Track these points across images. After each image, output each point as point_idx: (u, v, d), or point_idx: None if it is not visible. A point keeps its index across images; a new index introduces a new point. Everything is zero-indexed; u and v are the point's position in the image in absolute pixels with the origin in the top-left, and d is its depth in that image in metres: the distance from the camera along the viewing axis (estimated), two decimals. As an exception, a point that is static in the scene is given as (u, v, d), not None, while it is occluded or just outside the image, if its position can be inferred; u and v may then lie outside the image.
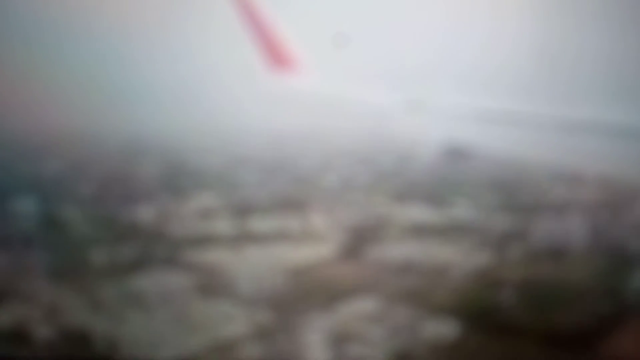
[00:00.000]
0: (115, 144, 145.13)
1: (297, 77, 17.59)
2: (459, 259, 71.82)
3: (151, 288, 47.50)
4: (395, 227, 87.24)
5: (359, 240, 77.84)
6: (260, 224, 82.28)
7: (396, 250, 73.22)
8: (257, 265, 58.77)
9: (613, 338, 52.32)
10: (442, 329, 49.00)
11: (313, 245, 72.47)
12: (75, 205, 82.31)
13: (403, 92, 13.70)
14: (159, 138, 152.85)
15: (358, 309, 49.93)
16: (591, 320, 55.54)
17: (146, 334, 38.55)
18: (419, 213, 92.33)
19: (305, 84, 17.47)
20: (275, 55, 18.01)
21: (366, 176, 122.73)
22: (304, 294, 54.94)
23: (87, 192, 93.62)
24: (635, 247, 77.37)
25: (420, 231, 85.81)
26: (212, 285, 56.61)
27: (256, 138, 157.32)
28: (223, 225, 77.55)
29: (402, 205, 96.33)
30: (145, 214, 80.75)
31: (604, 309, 57.56)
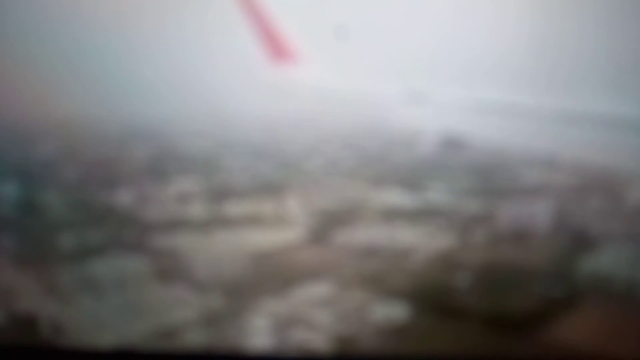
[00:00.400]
0: (108, 130, 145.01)
1: (296, 67, 17.99)
2: (424, 242, 72.03)
3: (108, 273, 47.56)
4: (368, 211, 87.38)
5: (328, 224, 78.04)
6: (234, 208, 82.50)
7: (363, 235, 73.43)
8: (221, 249, 58.95)
9: (560, 322, 52.52)
10: (392, 313, 49.27)
11: (282, 230, 72.74)
12: (56, 190, 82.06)
13: (403, 83, 14.18)
14: (152, 123, 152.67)
15: (311, 294, 50.15)
16: (542, 304, 55.73)
17: (92, 320, 38.63)
18: (395, 197, 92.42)
19: (304, 75, 17.96)
20: (275, 46, 18.49)
21: (352, 161, 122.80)
22: (262, 279, 55.16)
23: (72, 176, 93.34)
24: (597, 232, 77.34)
25: (391, 215, 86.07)
26: (171, 270, 56.75)
27: (248, 123, 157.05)
28: (197, 210, 77.77)
29: (379, 189, 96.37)
30: (123, 198, 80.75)
31: (556, 292, 57.71)
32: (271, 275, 54.61)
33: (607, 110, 9.02)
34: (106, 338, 36.46)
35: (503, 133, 10.53)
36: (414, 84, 13.78)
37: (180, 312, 42.94)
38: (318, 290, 50.61)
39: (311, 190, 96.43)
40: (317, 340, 43.51)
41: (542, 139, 9.62)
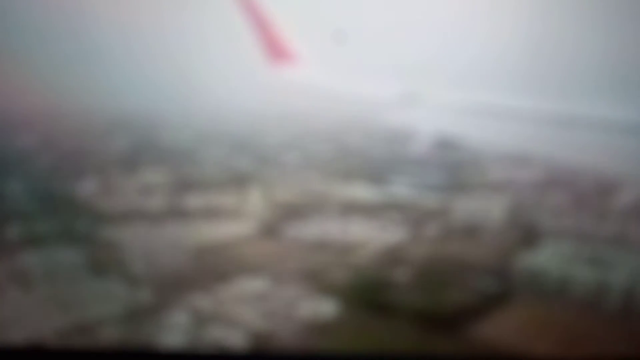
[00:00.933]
0: (91, 121, 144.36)
1: (293, 68, 17.97)
2: (375, 236, 71.25)
3: (41, 265, 47.02)
4: (329, 204, 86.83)
5: (284, 218, 77.36)
6: (195, 200, 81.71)
7: (317, 228, 72.66)
8: (167, 242, 58.32)
9: (491, 320, 52.10)
10: (322, 309, 48.69)
11: (237, 223, 72.04)
12: (23, 180, 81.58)
13: (399, 85, 13.91)
14: (136, 115, 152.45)
15: (244, 289, 49.60)
16: (477, 300, 55.25)
17: (11, 314, 38.12)
18: (359, 191, 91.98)
19: (301, 76, 17.95)
20: (273, 47, 18.38)
21: (328, 154, 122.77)
22: (199, 273, 54.69)
23: (44, 167, 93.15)
24: (546, 228, 76.88)
25: (351, 209, 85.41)
26: (107, 263, 56.33)
27: (231, 118, 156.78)
28: (156, 202, 77.00)
29: (346, 183, 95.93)
30: (86, 189, 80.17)
31: (492, 288, 57.23)
32: (210, 269, 53.99)
33: (601, 113, 9.03)
34: (19, 333, 35.97)
35: (498, 135, 10.45)
36: (410, 85, 13.66)
37: (105, 307, 42.40)
38: (252, 285, 50.00)
39: (277, 183, 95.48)
40: (234, 337, 43.04)
41: (539, 141, 9.51)
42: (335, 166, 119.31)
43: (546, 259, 59.73)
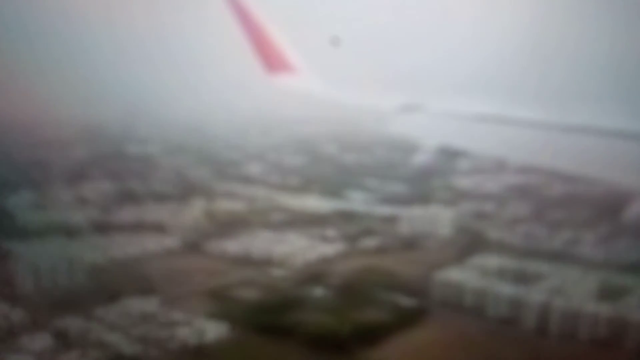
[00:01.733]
0: (61, 131, 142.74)
1: (290, 77, 17.35)
2: (308, 250, 67.75)
3: None
4: (274, 216, 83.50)
5: (216, 232, 74.30)
6: (126, 214, 78.62)
7: (247, 243, 69.69)
8: (69, 259, 55.69)
9: (397, 340, 48.68)
10: (209, 332, 45.42)
11: (163, 237, 69.01)
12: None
13: (399, 94, 13.51)
14: (105, 127, 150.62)
15: (128, 310, 46.40)
16: (391, 318, 51.75)
17: None
18: (312, 203, 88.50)
19: (298, 85, 17.30)
20: (269, 58, 17.60)
21: (295, 166, 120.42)
22: (88, 292, 52.03)
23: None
24: (490, 240, 73.17)
25: (290, 223, 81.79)
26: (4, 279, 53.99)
27: (203, 131, 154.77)
28: (83, 216, 74.06)
29: (297, 197, 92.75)
30: (19, 202, 77.84)
31: (412, 305, 53.73)
32: (104, 288, 50.61)
33: (603, 119, 8.68)
34: None
35: (497, 143, 10.06)
36: (412, 94, 13.23)
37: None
38: (139, 306, 46.46)
39: (225, 196, 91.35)
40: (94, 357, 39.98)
41: (538, 148, 9.13)
42: (296, 179, 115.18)
43: (464, 274, 55.92)
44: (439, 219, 79.70)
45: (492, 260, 61.55)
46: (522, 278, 58.42)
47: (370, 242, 73.02)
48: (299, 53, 17.95)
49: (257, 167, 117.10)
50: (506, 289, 54.27)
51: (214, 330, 46.00)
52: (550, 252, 72.16)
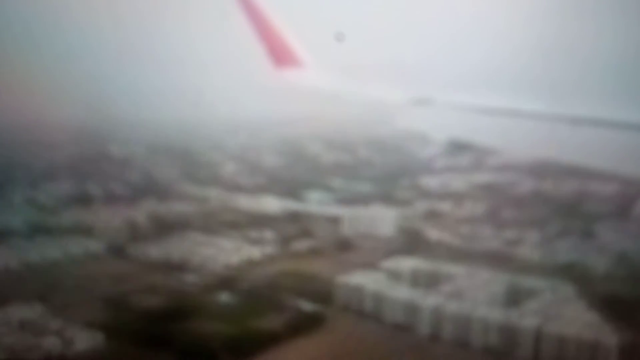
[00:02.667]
0: (51, 131, 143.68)
1: (299, 73, 17.28)
2: (233, 253, 66.34)
3: None
4: (218, 219, 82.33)
5: (150, 235, 73.00)
6: (71, 217, 77.88)
7: (173, 246, 68.25)
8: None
9: (287, 348, 46.94)
10: (82, 341, 44.41)
11: (90, 240, 68.28)
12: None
13: (406, 88, 13.58)
14: (87, 128, 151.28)
15: (5, 317, 45.47)
16: (290, 323, 50.07)
17: None
18: (265, 204, 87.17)
19: (307, 80, 17.22)
20: (278, 52, 17.50)
21: (269, 166, 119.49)
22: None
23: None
24: (428, 240, 70.96)
25: (233, 225, 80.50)
26: None
27: (183, 132, 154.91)
28: (25, 219, 73.72)
29: (257, 196, 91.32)
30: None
31: (315, 309, 52.07)
32: None
33: (610, 115, 8.64)
34: None
35: (504, 136, 10.15)
36: (420, 88, 13.21)
37: None
38: (19, 313, 45.43)
39: (177, 198, 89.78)
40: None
41: (544, 141, 9.23)
42: (264, 179, 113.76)
43: (367, 277, 53.76)
44: (381, 220, 77.51)
45: (407, 263, 59.23)
46: (431, 281, 56.13)
47: (304, 244, 71.20)
48: (306, 47, 17.83)
49: (231, 167, 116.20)
50: (402, 294, 52.20)
51: (86, 340, 44.86)
52: (486, 253, 69.66)
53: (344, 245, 72.07)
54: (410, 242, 73.12)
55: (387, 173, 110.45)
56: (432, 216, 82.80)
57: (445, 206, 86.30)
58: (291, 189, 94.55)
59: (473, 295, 51.05)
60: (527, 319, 47.41)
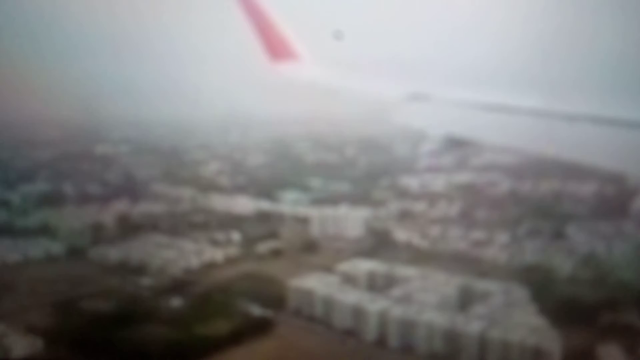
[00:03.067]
0: (36, 131, 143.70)
1: (296, 67, 17.24)
2: (194, 255, 65.71)
3: None
4: (187, 220, 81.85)
5: (115, 236, 72.39)
6: (37, 218, 77.48)
7: (128, 249, 67.97)
8: None
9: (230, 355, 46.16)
10: (18, 347, 43.85)
11: (52, 242, 67.98)
12: None
13: (404, 84, 13.57)
14: (96, 127, 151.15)
15: None
16: (237, 329, 49.36)
17: None
18: (239, 205, 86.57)
19: (304, 74, 17.17)
20: (275, 46, 17.49)
21: (250, 165, 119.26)
22: None
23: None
24: (396, 241, 70.18)
25: (206, 225, 79.96)
26: None
27: (169, 131, 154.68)
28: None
29: (228, 197, 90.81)
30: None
31: (265, 314, 51.29)
32: None
33: (604, 110, 8.69)
34: None
35: (502, 132, 10.22)
36: (418, 83, 13.21)
37: None
38: None
39: (150, 198, 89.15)
40: None
41: (542, 138, 9.20)
42: (244, 178, 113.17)
43: (319, 281, 52.86)
44: (350, 220, 76.56)
45: (364, 265, 58.25)
46: (387, 284, 55.15)
47: (268, 246, 70.27)
48: (303, 42, 17.74)
49: (214, 166, 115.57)
50: (350, 298, 51.18)
51: (24, 347, 44.31)
52: (451, 254, 68.59)
53: (310, 247, 71.15)
54: (378, 243, 72.15)
55: (369, 173, 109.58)
56: (405, 217, 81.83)
57: (419, 206, 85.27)
58: (269, 189, 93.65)
59: (424, 299, 49.91)
60: (472, 323, 46.31)
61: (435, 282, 54.12)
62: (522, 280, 59.16)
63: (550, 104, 9.75)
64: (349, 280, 55.51)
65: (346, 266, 58.03)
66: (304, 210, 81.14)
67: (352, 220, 75.49)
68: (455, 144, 10.74)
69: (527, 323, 45.97)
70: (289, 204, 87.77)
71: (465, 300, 51.61)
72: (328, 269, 59.54)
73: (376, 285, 55.40)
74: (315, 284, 53.28)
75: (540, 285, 57.30)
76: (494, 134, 10.61)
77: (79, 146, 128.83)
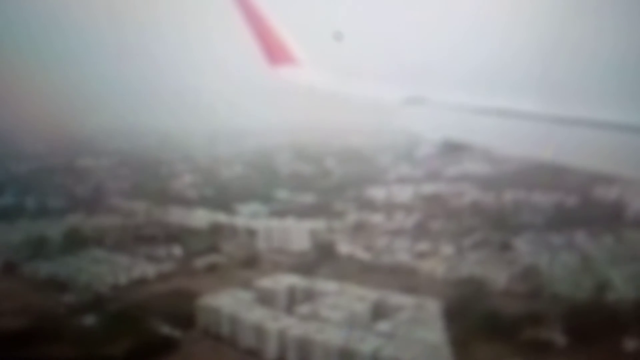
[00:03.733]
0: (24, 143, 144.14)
1: (294, 71, 17.21)
2: (122, 272, 64.89)
3: None
4: (134, 233, 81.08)
5: (51, 252, 71.67)
6: None
7: (61, 265, 67.46)
8: None
9: None
10: None
11: None
12: None
13: (402, 88, 13.46)
14: (83, 139, 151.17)
15: None
16: (144, 348, 48.00)
17: None
18: (193, 218, 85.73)
19: (302, 78, 17.13)
20: (273, 50, 17.48)
21: (224, 177, 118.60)
22: None
23: None
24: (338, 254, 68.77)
25: (155, 239, 79.02)
26: None
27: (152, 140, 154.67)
28: None
29: (189, 209, 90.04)
30: None
31: (170, 333, 49.94)
32: None
33: (604, 115, 8.56)
34: None
35: (500, 136, 10.16)
36: (417, 88, 13.12)
37: None
38: None
39: (107, 211, 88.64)
40: None
41: (542, 142, 9.11)
42: (212, 191, 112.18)
43: (229, 298, 51.40)
44: (296, 233, 74.91)
45: (284, 281, 56.43)
46: (306, 299, 53.31)
47: (206, 261, 68.84)
48: (302, 46, 17.65)
49: (187, 179, 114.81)
50: (253, 316, 49.44)
51: None
52: (390, 267, 66.68)
53: (249, 261, 69.58)
54: (321, 256, 70.42)
55: (340, 184, 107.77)
56: (359, 229, 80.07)
57: (376, 218, 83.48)
58: (233, 201, 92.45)
59: (331, 315, 48.20)
60: (367, 341, 44.50)
61: (350, 297, 52.29)
62: (455, 293, 57.33)
63: (551, 108, 9.58)
64: (267, 296, 53.81)
65: (267, 282, 56.31)
66: (254, 223, 79.75)
67: (297, 233, 73.86)
68: (453, 148, 10.69)
69: (425, 340, 43.91)
70: (246, 216, 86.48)
71: (376, 316, 49.84)
72: (247, 284, 57.96)
73: (296, 300, 53.75)
74: (224, 301, 51.65)
75: (472, 298, 55.38)
76: (493, 139, 10.48)
77: (61, 159, 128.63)
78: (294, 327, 46.65)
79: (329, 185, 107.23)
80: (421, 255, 68.09)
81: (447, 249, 69.08)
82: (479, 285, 59.16)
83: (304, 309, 50.18)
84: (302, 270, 63.90)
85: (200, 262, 68.11)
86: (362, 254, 69.49)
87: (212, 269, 67.07)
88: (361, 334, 45.64)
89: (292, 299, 54.21)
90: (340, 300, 51.60)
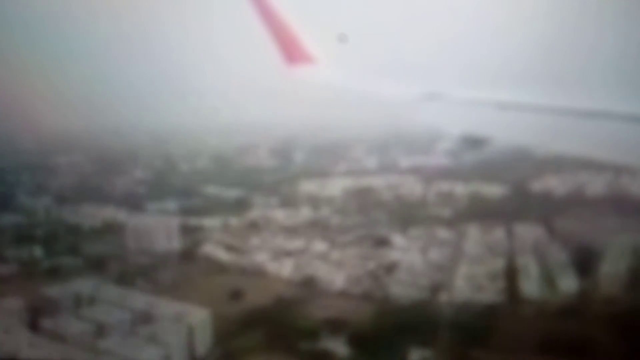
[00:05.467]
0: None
1: (311, 70, 17.13)
2: None
3: None
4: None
5: None
6: None
7: None
8: None
9: None
10: None
11: None
12: None
13: (418, 84, 13.47)
14: (73, 138, 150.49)
15: None
16: None
17: None
18: (89, 216, 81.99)
19: (319, 77, 17.07)
20: (290, 48, 17.35)
21: (179, 174, 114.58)
22: None
23: None
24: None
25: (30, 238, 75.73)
26: None
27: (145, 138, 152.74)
28: None
29: (102, 207, 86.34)
30: None
31: None
32: None
33: (624, 107, 8.39)
34: None
35: (517, 129, 10.03)
36: (431, 84, 13.05)
37: None
38: None
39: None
40: None
41: (558, 135, 8.92)
42: (143, 188, 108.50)
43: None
44: (162, 231, 68.53)
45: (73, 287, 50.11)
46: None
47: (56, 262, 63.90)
48: (318, 45, 17.42)
49: (138, 175, 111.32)
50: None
51: None
52: (242, 268, 59.58)
53: (100, 263, 63.96)
54: (176, 258, 64.11)
55: (280, 178, 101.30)
56: (252, 226, 73.28)
57: (279, 214, 76.33)
58: (148, 198, 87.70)
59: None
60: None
61: (122, 302, 45.76)
62: (284, 296, 50.11)
63: (557, 100, 9.28)
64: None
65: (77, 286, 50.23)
66: (133, 221, 74.22)
67: (163, 231, 67.62)
68: (472, 142, 10.45)
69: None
70: (150, 213, 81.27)
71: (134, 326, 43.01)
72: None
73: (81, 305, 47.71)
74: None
75: (283, 303, 48.09)
76: (511, 132, 10.29)
77: (41, 157, 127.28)
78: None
79: (270, 179, 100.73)
80: (287, 254, 60.76)
81: (319, 246, 61.38)
82: (312, 287, 51.37)
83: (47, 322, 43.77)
84: (140, 274, 57.89)
85: (47, 264, 63.34)
86: (222, 255, 62.71)
87: (51, 272, 62.07)
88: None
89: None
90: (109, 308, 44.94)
